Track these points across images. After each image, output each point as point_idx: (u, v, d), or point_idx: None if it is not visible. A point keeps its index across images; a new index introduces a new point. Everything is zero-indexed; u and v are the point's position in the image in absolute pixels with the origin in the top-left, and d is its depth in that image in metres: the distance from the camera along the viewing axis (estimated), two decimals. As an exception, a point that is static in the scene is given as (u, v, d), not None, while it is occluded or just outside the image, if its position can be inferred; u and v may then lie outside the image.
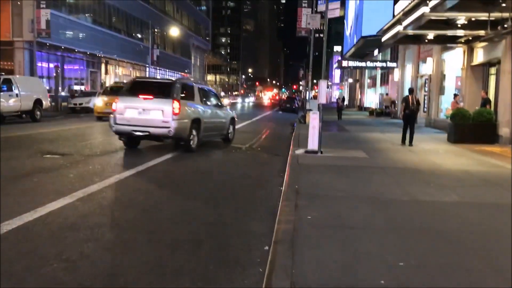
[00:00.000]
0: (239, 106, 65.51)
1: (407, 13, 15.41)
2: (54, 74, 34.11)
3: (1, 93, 18.84)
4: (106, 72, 48.87)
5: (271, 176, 9.23)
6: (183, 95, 11.96)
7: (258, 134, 18.53)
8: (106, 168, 9.12)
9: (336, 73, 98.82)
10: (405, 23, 15.81)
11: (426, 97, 27.26)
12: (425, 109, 27.30)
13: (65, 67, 42.13)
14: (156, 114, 11.44)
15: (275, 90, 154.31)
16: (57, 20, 36.99)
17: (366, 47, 41.33)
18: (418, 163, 10.91)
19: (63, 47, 39.38)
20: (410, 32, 16.41)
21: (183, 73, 77.04)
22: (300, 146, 13.79)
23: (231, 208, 6.43)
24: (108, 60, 48.63)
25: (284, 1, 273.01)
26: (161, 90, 11.89)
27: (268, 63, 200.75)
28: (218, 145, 14.12)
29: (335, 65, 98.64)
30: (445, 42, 19.99)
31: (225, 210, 6.27)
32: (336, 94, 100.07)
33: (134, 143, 12.42)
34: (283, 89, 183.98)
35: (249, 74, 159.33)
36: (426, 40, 19.06)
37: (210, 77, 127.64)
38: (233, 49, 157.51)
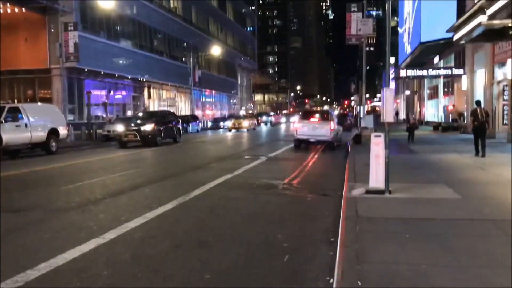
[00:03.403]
0: (282, 127, 55.16)
1: (493, -3, 11.59)
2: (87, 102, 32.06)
3: (5, 124, 16.36)
4: (149, 97, 47.06)
5: (314, 244, 5.72)
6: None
7: (302, 162, 14.98)
8: (57, 238, 5.91)
9: (391, 87, 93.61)
10: (491, 10, 11.96)
11: (506, 107, 22.79)
12: (505, 121, 22.80)
13: (113, 93, 40.64)
14: (321, 129, 19.44)
15: (326, 107, 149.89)
16: (94, 45, 35.40)
17: (424, 55, 37.17)
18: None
19: (102, 73, 37.70)
20: (497, 22, 12.50)
21: (228, 94, 74.91)
22: (358, 179, 10.17)
23: None
24: (151, 84, 46.86)
25: (331, 18, 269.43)
26: (322, 115, 21.28)
27: (318, 80, 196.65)
28: (247, 183, 10.73)
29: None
30: (538, 36, 15.76)
31: None
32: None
33: (299, 146, 20.05)
34: (335, 106, 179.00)
35: (298, 92, 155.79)
36: (513, 35, 14.94)
37: (258, 97, 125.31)
38: (281, 67, 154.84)
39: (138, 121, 23.37)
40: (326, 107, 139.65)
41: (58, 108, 20.91)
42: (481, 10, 12.71)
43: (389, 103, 8.32)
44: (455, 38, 15.83)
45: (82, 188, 9.91)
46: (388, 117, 8.34)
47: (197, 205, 8.03)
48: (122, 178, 11.32)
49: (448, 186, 9.20)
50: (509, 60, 20.11)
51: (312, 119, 20.39)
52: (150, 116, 25.16)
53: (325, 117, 20.82)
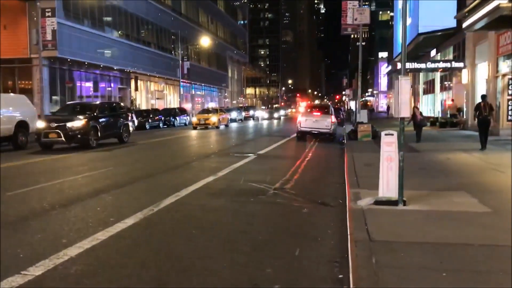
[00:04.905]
0: (264, 124, 45.39)
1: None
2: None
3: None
4: (136, 88, 45.31)
5: (316, 284, 4.18)
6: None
7: (295, 161, 13.42)
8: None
9: (383, 81, 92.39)
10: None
11: (511, 102, 21.39)
12: (510, 117, 21.41)
13: (101, 85, 38.99)
14: (322, 122, 20.94)
15: (317, 101, 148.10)
16: (78, 34, 33.56)
17: (420, 47, 35.89)
18: None
19: (86, 63, 35.84)
20: (518, 5, 10.99)
21: (219, 87, 73.13)
22: (361, 184, 8.69)
23: None
24: (138, 75, 45.08)
25: (323, 12, 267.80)
26: (323, 109, 23.22)
27: (309, 74, 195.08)
28: (231, 188, 9.17)
29: (381, 73, 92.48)
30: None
31: None
32: (383, 103, 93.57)
33: (303, 139, 21.22)
34: (326, 100, 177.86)
35: (289, 86, 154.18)
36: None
37: (249, 90, 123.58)
38: (273, 61, 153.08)
39: (66, 115, 18.06)
40: (316, 102, 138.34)
41: (28, 100, 19.07)
42: (499, -9, 11.24)
43: (405, 94, 6.76)
44: (464, 25, 14.38)
45: (31, 193, 8.25)
46: (403, 111, 6.78)
47: (166, 219, 6.42)
48: (84, 181, 9.67)
49: (469, 193, 7.72)
50: (517, 52, 18.68)
51: (314, 113, 22.11)
52: (85, 108, 19.39)
53: (326, 111, 22.60)
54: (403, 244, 4.98)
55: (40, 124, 17.24)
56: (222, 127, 35.03)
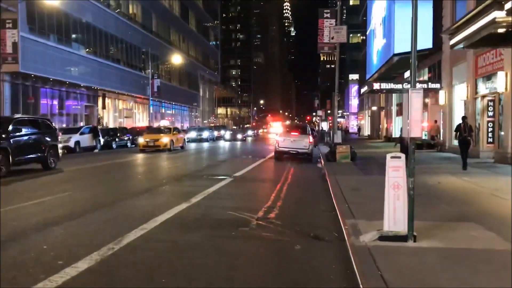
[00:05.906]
0: (226, 145, 39.56)
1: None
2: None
3: None
4: (104, 106, 43.61)
5: None
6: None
7: (275, 184, 12.29)
8: None
9: (354, 103, 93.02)
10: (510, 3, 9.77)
11: (491, 124, 20.97)
12: (490, 139, 20.97)
13: (67, 102, 37.33)
14: (300, 142, 21.04)
15: (288, 122, 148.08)
16: (43, 48, 31.90)
17: (395, 68, 35.85)
18: None
19: (51, 79, 34.12)
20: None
21: (190, 106, 71.81)
22: (356, 213, 7.62)
23: None
24: (105, 93, 43.45)
25: (293, 34, 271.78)
26: (301, 129, 23.82)
27: (280, 95, 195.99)
28: (208, 218, 7.96)
29: (352, 95, 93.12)
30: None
31: None
32: (353, 124, 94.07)
33: (281, 158, 21.21)
34: (296, 121, 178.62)
35: (261, 106, 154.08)
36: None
37: (220, 110, 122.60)
38: (244, 82, 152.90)
39: None
40: (287, 123, 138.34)
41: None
42: (494, 5, 10.55)
43: (416, 110, 5.76)
44: (452, 42, 13.68)
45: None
46: (414, 130, 5.77)
47: (129, 262, 5.14)
48: (35, 209, 8.26)
49: (481, 226, 6.74)
50: (500, 73, 18.19)
51: (292, 133, 22.30)
52: None
53: (304, 131, 23.04)
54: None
55: None
56: (177, 149, 29.40)
